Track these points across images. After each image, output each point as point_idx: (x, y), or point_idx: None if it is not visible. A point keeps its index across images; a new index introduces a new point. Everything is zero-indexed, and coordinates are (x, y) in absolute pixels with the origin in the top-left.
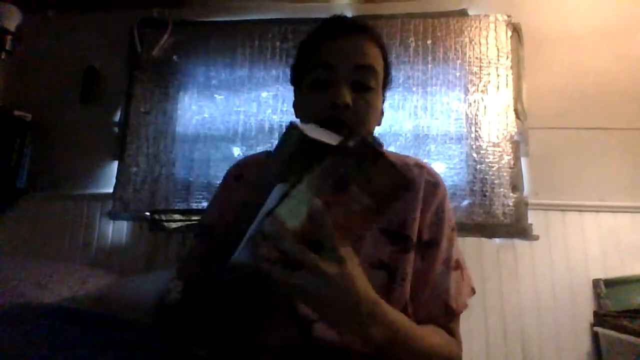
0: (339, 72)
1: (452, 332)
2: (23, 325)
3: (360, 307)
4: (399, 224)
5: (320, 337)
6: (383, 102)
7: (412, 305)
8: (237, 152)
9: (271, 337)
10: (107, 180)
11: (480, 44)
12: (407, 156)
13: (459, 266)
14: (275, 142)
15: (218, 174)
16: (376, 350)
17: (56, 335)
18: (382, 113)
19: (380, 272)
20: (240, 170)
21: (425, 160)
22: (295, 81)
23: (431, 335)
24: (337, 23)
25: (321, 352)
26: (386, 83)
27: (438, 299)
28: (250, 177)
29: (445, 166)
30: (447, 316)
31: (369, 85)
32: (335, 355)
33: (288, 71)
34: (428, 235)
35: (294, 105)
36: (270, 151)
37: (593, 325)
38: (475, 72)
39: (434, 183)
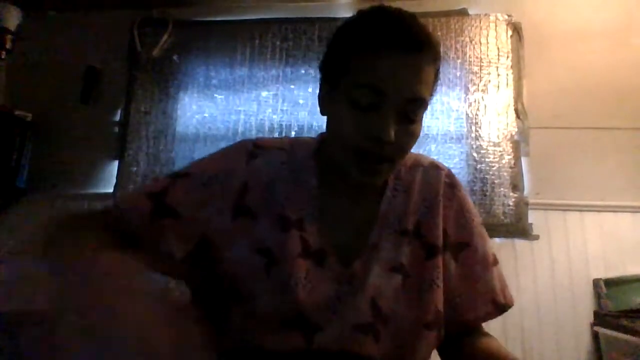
0: (389, 101)
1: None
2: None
3: None
4: (418, 227)
5: (322, 345)
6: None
7: (459, 308)
8: None
9: (274, 344)
10: (108, 180)
11: (480, 43)
12: (420, 155)
13: (497, 261)
14: None
15: None
16: None
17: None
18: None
19: (396, 275)
20: (259, 151)
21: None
22: (327, 77)
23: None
24: (395, 28)
25: (321, 357)
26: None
27: (484, 298)
28: (267, 162)
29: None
30: (497, 312)
31: (416, 119)
32: None
33: (288, 70)
34: (456, 237)
35: (320, 99)
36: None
37: (593, 324)
38: (476, 72)
39: (451, 184)
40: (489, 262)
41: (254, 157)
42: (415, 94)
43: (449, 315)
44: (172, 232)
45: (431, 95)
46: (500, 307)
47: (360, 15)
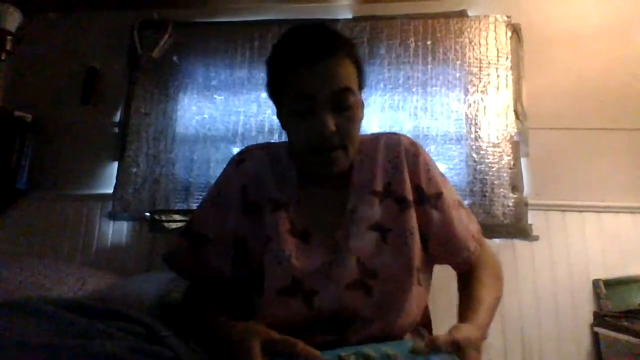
0: (318, 101)
1: (486, 253)
2: (35, 315)
3: None
4: (388, 185)
5: (322, 307)
6: (361, 92)
7: (453, 250)
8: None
9: (278, 312)
10: (107, 181)
11: (480, 44)
12: (379, 133)
13: (463, 203)
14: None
15: (218, 174)
16: None
17: (66, 325)
18: (362, 104)
19: (373, 233)
20: (244, 155)
21: None
22: (273, 98)
23: (492, 286)
24: (307, 45)
25: (322, 320)
26: (361, 80)
27: (468, 234)
28: (253, 160)
29: (445, 167)
30: (479, 244)
31: (349, 105)
32: (335, 323)
33: None
34: (430, 190)
35: (278, 117)
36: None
37: (593, 325)
38: (475, 73)
39: (411, 144)
40: (456, 205)
41: (242, 162)
42: (338, 85)
43: (448, 259)
44: (214, 252)
45: (360, 84)
46: (477, 239)
47: (282, 39)
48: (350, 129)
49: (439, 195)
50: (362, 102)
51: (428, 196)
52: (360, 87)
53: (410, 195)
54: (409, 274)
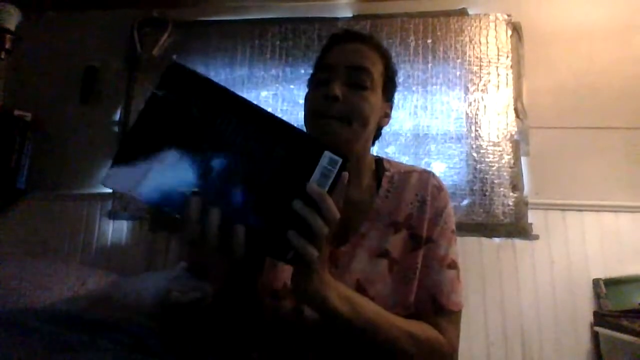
0: (335, 71)
1: (441, 329)
2: (20, 330)
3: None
4: (408, 219)
5: (312, 317)
6: (391, 108)
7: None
8: None
9: (267, 313)
10: None
11: (480, 43)
12: (415, 165)
13: (455, 266)
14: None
15: None
16: (335, 321)
17: (53, 340)
18: (388, 116)
19: (382, 260)
20: None
21: (425, 161)
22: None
23: (409, 325)
24: (340, 34)
25: (312, 332)
26: (388, 86)
27: (427, 293)
28: None
29: (445, 165)
30: (435, 312)
31: (364, 85)
32: (322, 338)
33: (288, 70)
34: (428, 232)
35: None
36: None
37: (593, 325)
38: (475, 72)
39: (438, 187)
40: (445, 263)
41: None
42: (355, 62)
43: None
44: None
45: (384, 75)
46: (439, 307)
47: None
48: (360, 105)
49: (431, 240)
50: (389, 114)
51: (426, 238)
52: (387, 93)
53: (424, 234)
54: (402, 309)
